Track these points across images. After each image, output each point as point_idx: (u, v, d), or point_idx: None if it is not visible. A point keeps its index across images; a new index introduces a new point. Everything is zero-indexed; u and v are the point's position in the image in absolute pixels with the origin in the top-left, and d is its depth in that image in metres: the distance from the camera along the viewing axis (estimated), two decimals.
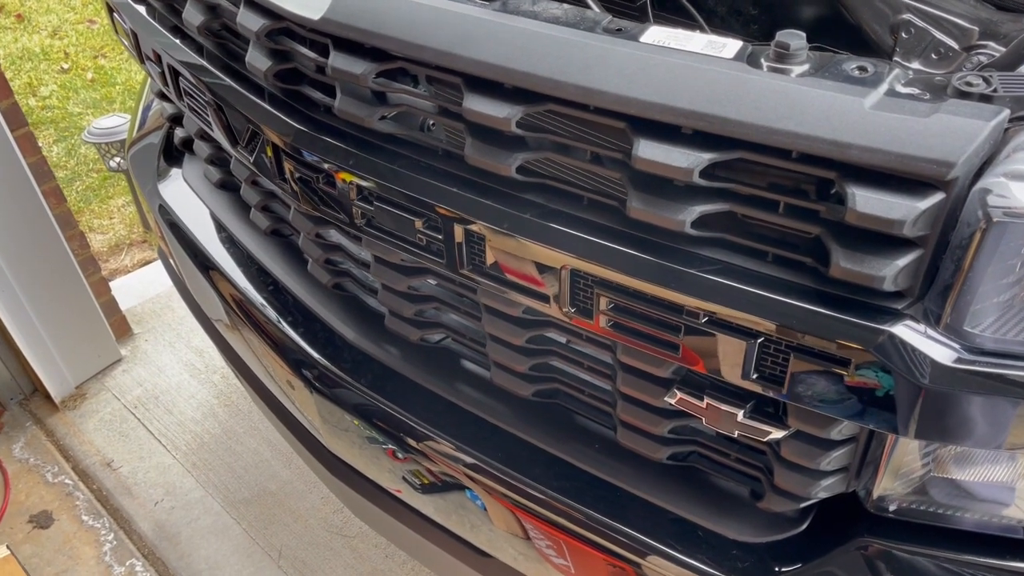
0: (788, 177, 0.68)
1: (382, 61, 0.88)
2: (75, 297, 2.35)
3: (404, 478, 1.15)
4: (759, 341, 0.71)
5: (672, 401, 0.85)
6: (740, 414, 0.80)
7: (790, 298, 0.69)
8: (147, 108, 1.88)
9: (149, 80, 1.85)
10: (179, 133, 1.61)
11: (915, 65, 1.12)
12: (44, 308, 2.26)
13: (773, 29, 0.79)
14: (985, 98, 0.63)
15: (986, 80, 0.64)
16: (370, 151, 0.95)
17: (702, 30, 1.31)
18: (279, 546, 2.00)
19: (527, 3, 0.83)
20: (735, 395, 0.81)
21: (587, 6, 1.18)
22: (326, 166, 0.99)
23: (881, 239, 0.63)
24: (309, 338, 1.24)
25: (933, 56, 1.11)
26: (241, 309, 1.35)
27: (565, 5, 0.82)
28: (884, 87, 0.64)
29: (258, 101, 1.07)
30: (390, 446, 1.13)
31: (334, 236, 1.20)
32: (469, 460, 1.04)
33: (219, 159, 1.47)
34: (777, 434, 0.79)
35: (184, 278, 1.58)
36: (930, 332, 0.65)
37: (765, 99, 0.65)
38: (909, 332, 0.65)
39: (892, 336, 0.65)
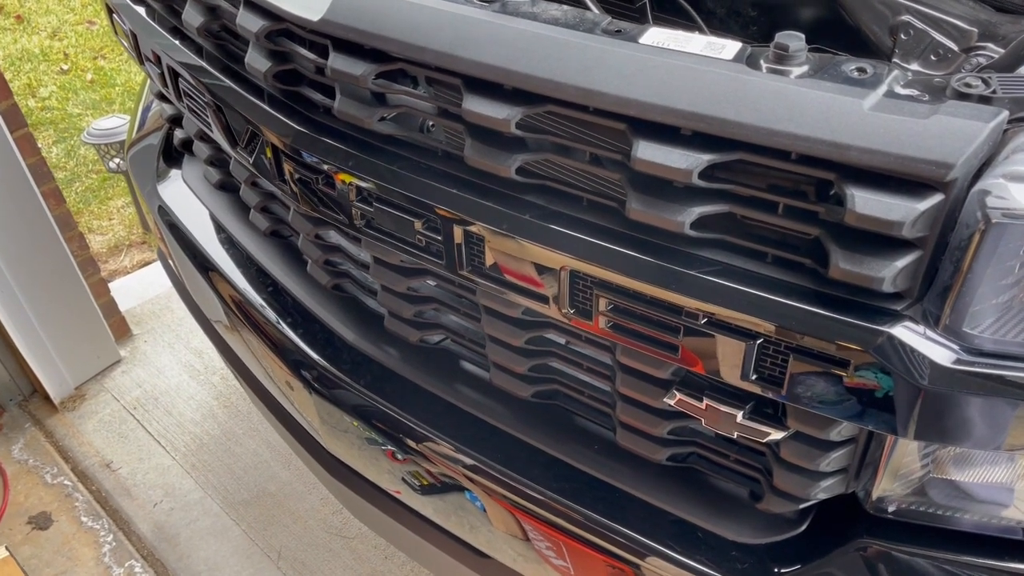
0: (787, 178, 0.68)
1: (381, 62, 0.88)
2: (74, 298, 2.35)
3: (403, 479, 1.15)
4: (758, 342, 0.71)
5: (671, 402, 0.85)
6: (739, 415, 0.80)
7: (789, 299, 0.69)
8: (146, 109, 1.88)
9: (148, 81, 1.85)
10: (178, 134, 1.61)
11: (914, 66, 1.12)
12: (43, 309, 2.26)
13: (772, 30, 0.79)
14: (984, 99, 0.63)
15: (985, 81, 0.64)
16: (369, 152, 0.95)
17: (701, 31, 1.31)
18: (278, 547, 2.00)
19: (526, 4, 0.83)
20: (734, 396, 0.81)
21: (586, 7, 1.18)
22: (325, 167, 0.99)
23: (880, 240, 0.63)
24: (308, 339, 1.24)
25: (932, 58, 1.11)
26: (240, 310, 1.35)
27: (564, 6, 0.82)
28: (883, 88, 0.64)
29: (257, 102, 1.07)
30: (389, 447, 1.13)
31: (333, 237, 1.20)
32: (468, 461, 1.04)
33: (218, 160, 1.47)
34: (776, 435, 0.79)
35: (183, 279, 1.58)
36: (929, 333, 0.65)
37: (764, 100, 0.65)
38: (908, 333, 0.65)
39: (891, 337, 0.65)
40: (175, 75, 1.27)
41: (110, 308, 2.54)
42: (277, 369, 1.28)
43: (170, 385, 2.46)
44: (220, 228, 1.49)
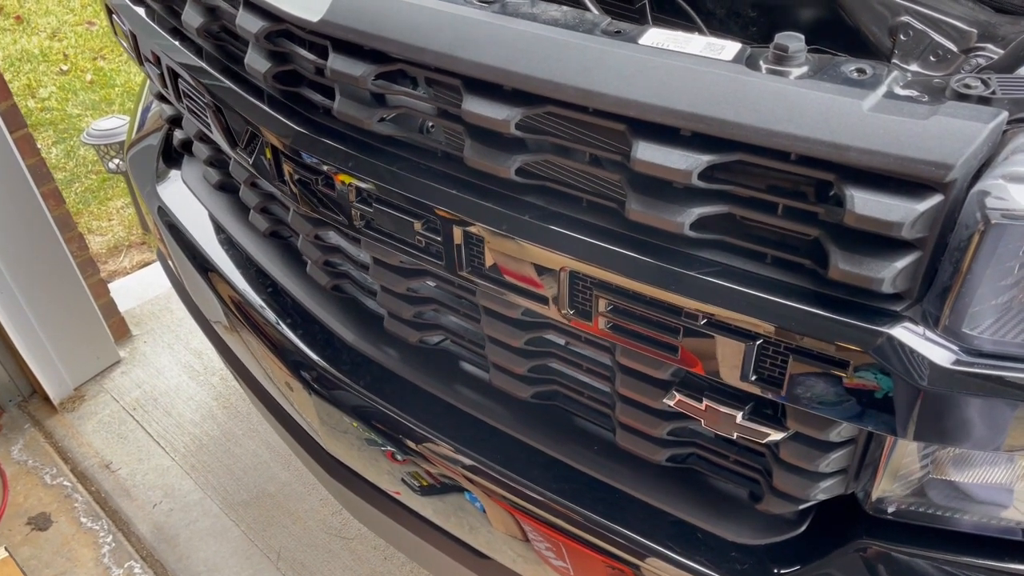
0: (787, 179, 0.68)
1: (381, 63, 0.88)
2: (74, 299, 2.35)
3: (403, 480, 1.15)
4: (758, 343, 0.71)
5: (671, 403, 0.85)
6: (739, 416, 0.80)
7: (789, 300, 0.69)
8: (146, 110, 1.87)
9: (148, 82, 1.86)
10: (178, 135, 1.61)
11: (913, 67, 1.12)
12: (43, 310, 2.26)
13: (772, 31, 0.79)
14: (983, 100, 0.63)
15: (984, 82, 0.64)
16: (369, 153, 0.95)
17: (701, 32, 1.31)
18: (278, 548, 1.99)
19: (526, 5, 0.83)
20: (734, 397, 0.81)
21: (586, 8, 1.18)
22: (325, 168, 0.99)
23: (880, 241, 0.63)
24: (308, 340, 1.24)
25: (931, 58, 1.11)
26: (240, 311, 1.35)
27: (564, 7, 0.82)
28: (883, 89, 0.64)
29: (257, 103, 1.07)
30: (389, 448, 1.13)
31: (333, 238, 1.20)
32: (468, 462, 1.04)
33: (218, 161, 1.47)
34: (776, 436, 0.79)
35: (183, 280, 1.58)
36: (928, 334, 0.65)
37: (764, 101, 0.65)
38: (907, 334, 0.65)
39: (891, 338, 0.65)
40: (175, 76, 1.27)
41: (109, 309, 2.54)
42: (276, 370, 1.28)
43: (169, 386, 2.46)
44: (219, 229, 1.49)
